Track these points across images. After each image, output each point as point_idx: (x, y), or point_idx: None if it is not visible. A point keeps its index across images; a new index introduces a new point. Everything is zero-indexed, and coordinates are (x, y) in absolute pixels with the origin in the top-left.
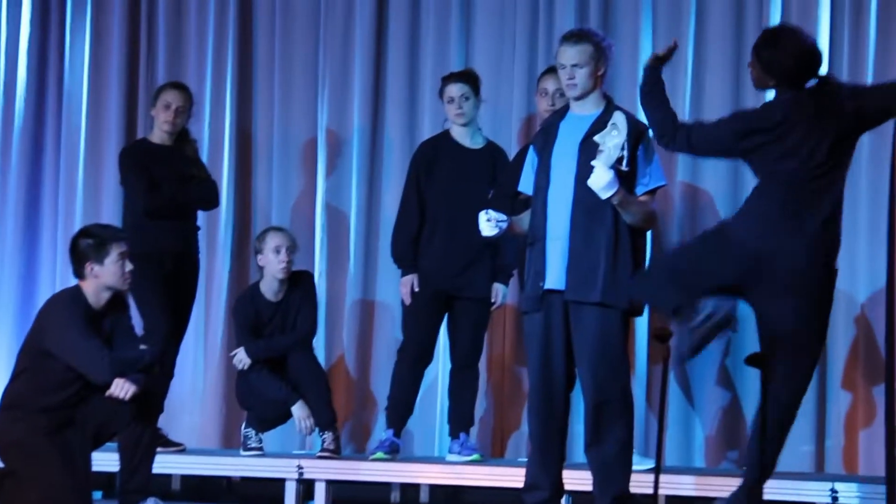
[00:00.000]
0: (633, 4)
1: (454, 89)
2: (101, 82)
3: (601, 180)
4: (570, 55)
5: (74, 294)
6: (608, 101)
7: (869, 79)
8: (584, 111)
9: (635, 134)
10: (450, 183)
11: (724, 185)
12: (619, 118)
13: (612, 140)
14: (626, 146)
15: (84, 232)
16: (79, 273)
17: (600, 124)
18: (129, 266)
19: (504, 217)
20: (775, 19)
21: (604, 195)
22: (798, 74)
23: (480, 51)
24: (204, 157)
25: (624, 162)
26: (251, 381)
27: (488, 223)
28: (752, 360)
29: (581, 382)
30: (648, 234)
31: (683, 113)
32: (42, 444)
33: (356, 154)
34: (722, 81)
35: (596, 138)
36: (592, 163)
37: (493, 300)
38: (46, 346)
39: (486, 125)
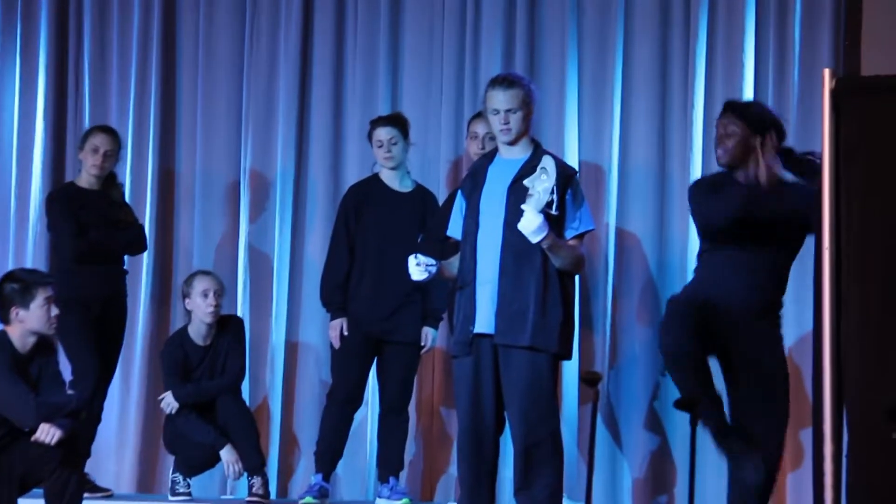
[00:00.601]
0: (559, 48)
1: (383, 133)
2: (29, 127)
3: (531, 224)
4: (503, 100)
5: None
6: (536, 144)
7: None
8: (513, 155)
9: (564, 178)
10: (379, 226)
11: (651, 228)
12: (548, 162)
13: (542, 184)
14: (555, 190)
15: (9, 276)
16: (4, 318)
17: (529, 168)
18: (54, 310)
19: (433, 261)
20: (700, 57)
21: (534, 239)
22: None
23: (408, 94)
24: (127, 200)
25: (553, 206)
26: (179, 425)
27: (417, 267)
28: (680, 404)
29: (510, 426)
30: (577, 277)
31: (611, 157)
32: None
33: (279, 196)
34: (647, 124)
35: (525, 182)
36: (522, 207)
37: (422, 344)
38: None
39: (415, 168)
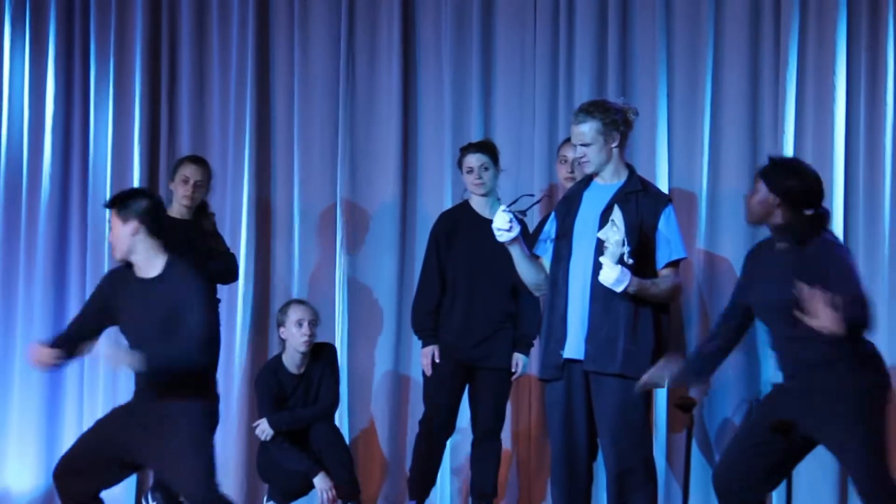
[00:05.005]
0: (650, 73)
1: (473, 160)
2: (125, 158)
3: (610, 277)
4: (576, 135)
5: None
6: (630, 170)
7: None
8: (606, 181)
9: (654, 205)
10: (469, 253)
11: (741, 253)
12: (616, 214)
13: (614, 236)
14: (626, 242)
15: None
16: None
17: (622, 195)
18: None
19: (519, 219)
20: (790, 80)
21: (617, 289)
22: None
23: (501, 121)
24: (224, 230)
25: (625, 256)
26: (273, 452)
27: (504, 214)
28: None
29: (603, 452)
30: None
31: (701, 183)
32: None
33: (380, 225)
34: (737, 148)
35: (599, 235)
36: (601, 259)
37: (513, 370)
38: None
39: (507, 195)
